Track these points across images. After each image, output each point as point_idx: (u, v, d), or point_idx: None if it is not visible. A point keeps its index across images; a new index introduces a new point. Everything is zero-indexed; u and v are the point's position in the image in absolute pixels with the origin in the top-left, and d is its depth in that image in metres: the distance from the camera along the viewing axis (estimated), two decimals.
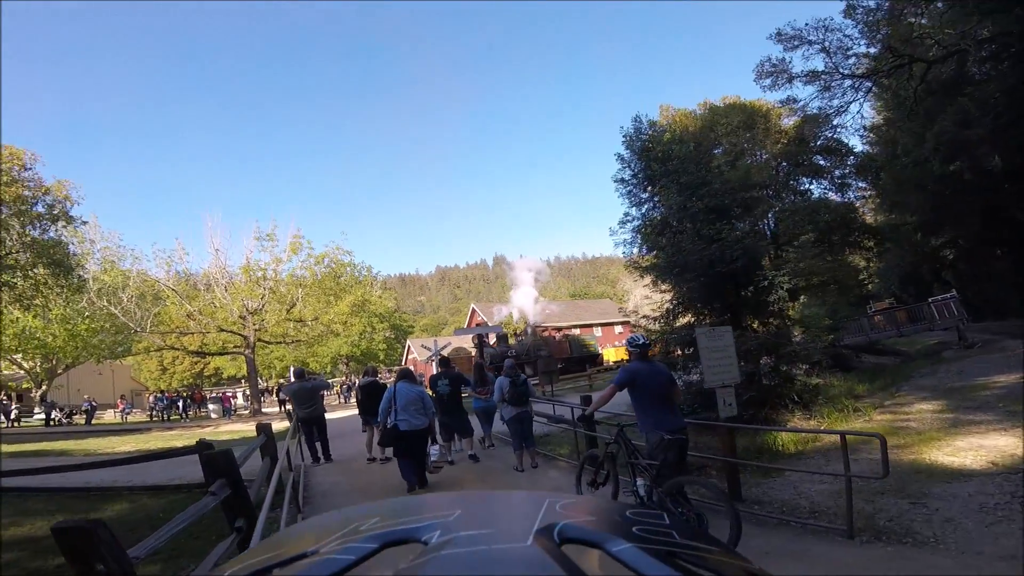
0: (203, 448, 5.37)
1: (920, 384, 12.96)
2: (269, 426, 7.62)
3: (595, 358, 35.47)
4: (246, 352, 28.68)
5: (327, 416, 10.34)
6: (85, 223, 25.15)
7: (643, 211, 16.93)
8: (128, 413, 31.61)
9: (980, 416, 8.77)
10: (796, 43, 18.98)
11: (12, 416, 26.90)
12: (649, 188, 15.91)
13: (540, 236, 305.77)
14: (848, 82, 19.77)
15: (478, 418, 9.61)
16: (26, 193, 21.78)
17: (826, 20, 18.46)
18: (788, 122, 26.52)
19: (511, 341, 31.38)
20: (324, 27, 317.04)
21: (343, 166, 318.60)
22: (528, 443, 8.09)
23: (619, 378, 5.21)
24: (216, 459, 4.73)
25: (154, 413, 30.73)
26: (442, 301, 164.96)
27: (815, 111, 21.48)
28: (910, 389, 12.52)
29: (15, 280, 22.08)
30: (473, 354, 28.56)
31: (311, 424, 9.85)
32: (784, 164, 26.05)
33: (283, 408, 25.13)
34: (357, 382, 31.96)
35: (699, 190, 12.62)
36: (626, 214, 17.51)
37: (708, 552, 0.67)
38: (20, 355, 28.95)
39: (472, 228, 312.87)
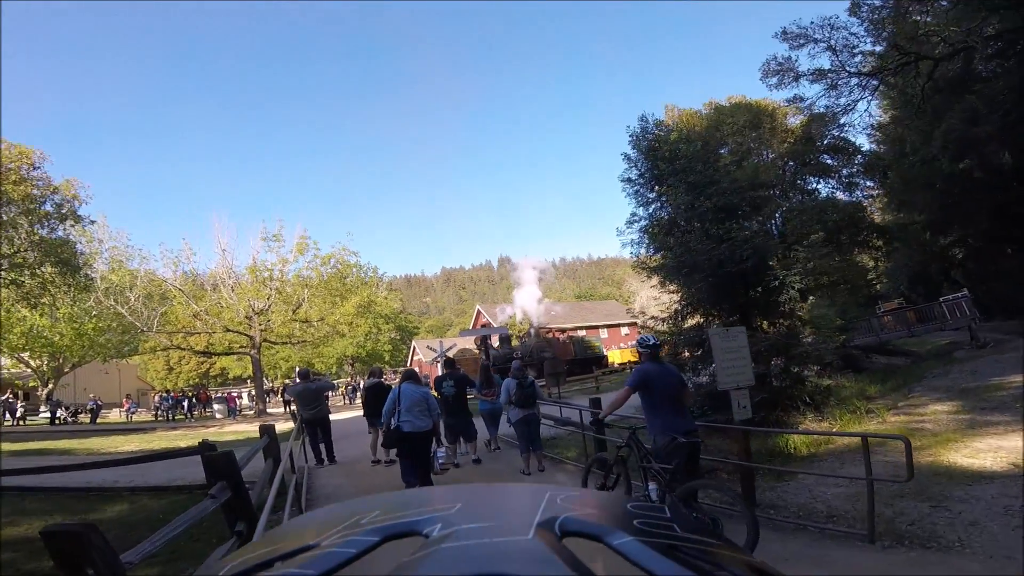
0: (205, 449, 5.31)
1: (933, 385, 12.78)
2: (272, 427, 7.54)
3: (600, 360, 35.25)
4: (252, 352, 28.71)
5: (332, 417, 10.24)
6: (93, 222, 25.27)
7: (650, 211, 16.80)
8: (133, 412, 31.64)
9: (997, 417, 8.61)
10: (802, 41, 18.83)
11: (18, 414, 26.90)
12: (656, 188, 15.75)
13: (545, 237, 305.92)
14: (855, 80, 19.59)
15: (484, 420, 9.48)
16: (35, 192, 21.80)
17: (831, 18, 18.33)
18: (794, 121, 26.33)
19: (514, 343, 31.26)
20: (329, 27, 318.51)
21: (349, 167, 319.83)
22: (535, 446, 7.96)
23: (632, 380, 5.08)
24: (217, 461, 4.66)
25: (159, 413, 30.78)
26: (447, 302, 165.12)
27: (822, 110, 21.31)
28: (923, 390, 12.36)
29: (23, 278, 22.10)
30: (478, 354, 28.43)
31: (315, 425, 9.76)
32: (791, 163, 25.83)
33: (288, 409, 25.10)
34: (362, 383, 31.98)
35: (707, 189, 12.45)
36: (633, 214, 17.39)
37: (709, 546, 0.67)
38: (27, 353, 29.10)
39: (477, 230, 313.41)
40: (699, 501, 4.96)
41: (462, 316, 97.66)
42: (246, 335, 28.28)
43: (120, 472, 8.03)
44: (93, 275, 25.70)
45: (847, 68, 19.18)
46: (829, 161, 26.12)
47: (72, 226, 23.68)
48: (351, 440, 11.58)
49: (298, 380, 10.45)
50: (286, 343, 32.05)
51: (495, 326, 38.87)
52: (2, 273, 22.15)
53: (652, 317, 13.67)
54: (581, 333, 41.31)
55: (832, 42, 18.45)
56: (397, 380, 8.60)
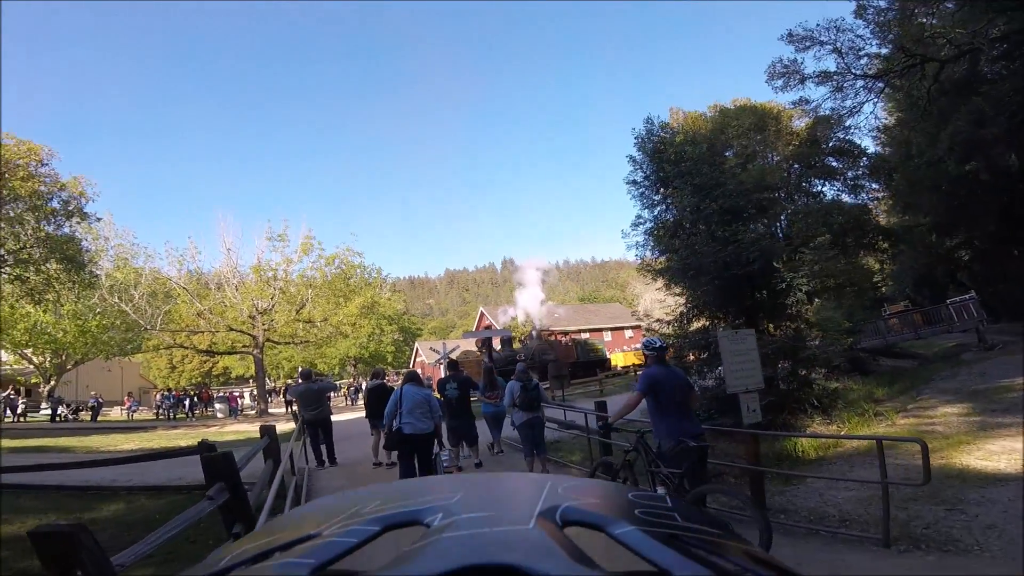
0: (205, 449, 5.25)
1: (942, 387, 12.69)
2: (273, 428, 7.45)
3: (603, 363, 35.08)
4: (255, 352, 28.70)
5: (334, 418, 10.16)
6: (99, 220, 25.30)
7: (655, 213, 16.72)
8: (134, 411, 31.60)
9: (1009, 419, 8.51)
10: (808, 44, 18.74)
11: (19, 411, 26.85)
12: (662, 190, 15.68)
13: (549, 240, 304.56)
14: (860, 82, 19.50)
15: (487, 423, 9.38)
16: (42, 188, 21.81)
17: (837, 20, 18.26)
18: (799, 124, 26.23)
19: (515, 345, 31.12)
20: (333, 27, 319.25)
21: (354, 167, 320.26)
22: (539, 450, 7.85)
23: (641, 385, 5.00)
24: (216, 461, 4.60)
25: (160, 411, 30.75)
26: (451, 304, 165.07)
27: (828, 112, 21.22)
28: (932, 392, 12.30)
29: (28, 274, 22.15)
30: (480, 356, 28.37)
31: (317, 426, 9.68)
32: (796, 166, 25.74)
33: (289, 409, 25.09)
34: (364, 384, 31.90)
35: (713, 191, 12.38)
36: (638, 216, 17.29)
37: (710, 535, 0.67)
38: (30, 350, 29.16)
39: (481, 232, 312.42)
40: (707, 506, 4.87)
41: (465, 318, 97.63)
42: (249, 335, 28.29)
43: (118, 471, 7.94)
44: (98, 272, 25.73)
45: (853, 70, 19.09)
46: (834, 164, 26.06)
47: (78, 223, 23.69)
48: (353, 441, 11.49)
49: (300, 380, 10.36)
50: (289, 343, 32.04)
51: (498, 328, 38.77)
52: (7, 269, 22.16)
53: (657, 320, 13.60)
54: (585, 336, 41.15)
55: (838, 44, 18.37)
56: (399, 382, 8.52)
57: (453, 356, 21.70)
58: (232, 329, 28.22)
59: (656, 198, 16.13)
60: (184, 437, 17.52)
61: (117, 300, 26.44)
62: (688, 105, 35.87)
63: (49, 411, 27.51)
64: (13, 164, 20.43)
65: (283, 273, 28.65)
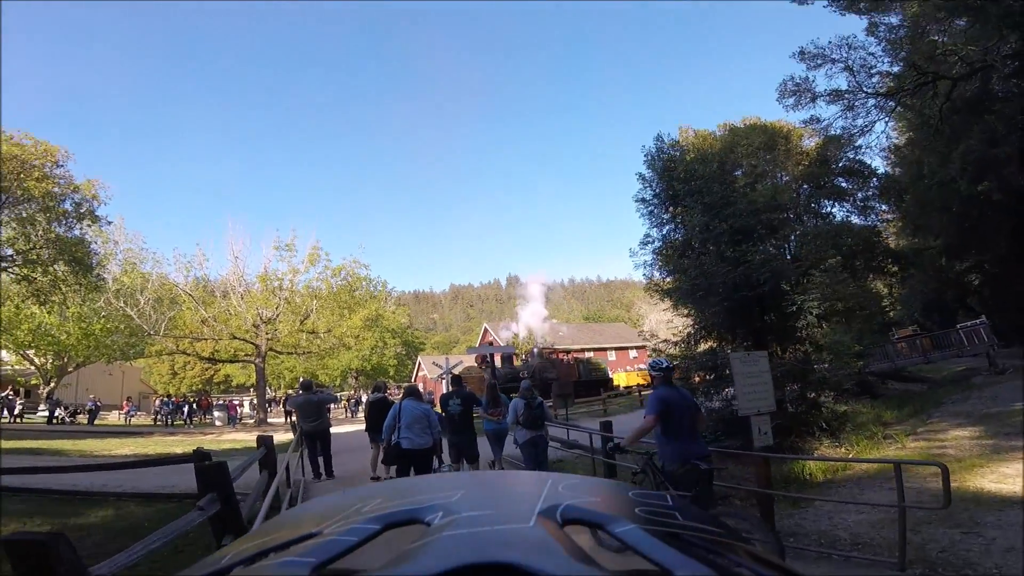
0: (199, 457, 5.17)
1: (953, 410, 12.63)
2: (270, 438, 7.35)
3: (606, 382, 34.72)
4: (256, 361, 28.57)
5: (333, 430, 10.00)
6: (110, 223, 25.30)
7: (664, 232, 16.58)
8: (133, 415, 31.47)
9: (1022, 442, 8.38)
10: (819, 61, 18.70)
11: (16, 412, 26.70)
12: (671, 208, 15.57)
13: (555, 258, 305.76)
14: (872, 101, 19.42)
15: (488, 440, 9.19)
16: (55, 190, 21.82)
17: (849, 38, 18.17)
18: (809, 143, 26.13)
19: (516, 363, 30.84)
20: (349, 41, 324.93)
21: (364, 181, 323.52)
22: (542, 469, 7.65)
23: (654, 408, 4.86)
24: (209, 471, 4.51)
25: (158, 417, 30.58)
26: (455, 319, 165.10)
27: (839, 131, 21.11)
28: (943, 415, 12.25)
29: (35, 275, 22.17)
30: (481, 372, 28.13)
31: (315, 438, 9.53)
32: (805, 186, 25.59)
33: (289, 419, 24.88)
34: (365, 397, 31.65)
35: (724, 210, 12.28)
36: (647, 235, 17.14)
37: (711, 534, 0.67)
38: (32, 351, 29.13)
39: (486, 248, 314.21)
40: None
41: (469, 334, 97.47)
42: (252, 343, 28.20)
43: (109, 476, 7.81)
44: (105, 276, 25.77)
45: (864, 88, 19.02)
46: (844, 184, 25.84)
47: (89, 226, 23.67)
48: (351, 455, 11.32)
49: (300, 391, 10.22)
50: (292, 353, 31.91)
51: (501, 345, 38.56)
52: (14, 269, 22.20)
53: (664, 340, 13.43)
54: (589, 354, 40.86)
55: (850, 62, 18.29)
56: (399, 396, 8.40)
57: (456, 372, 21.53)
58: (235, 337, 28.14)
59: (665, 216, 16.00)
60: (180, 444, 17.34)
61: (123, 304, 26.44)
62: (697, 123, 35.98)
63: (46, 413, 27.38)
64: (29, 164, 20.47)
65: (289, 283, 28.61)
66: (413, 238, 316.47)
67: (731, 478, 7.40)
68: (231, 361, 33.37)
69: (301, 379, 14.19)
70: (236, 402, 35.84)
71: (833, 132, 21.22)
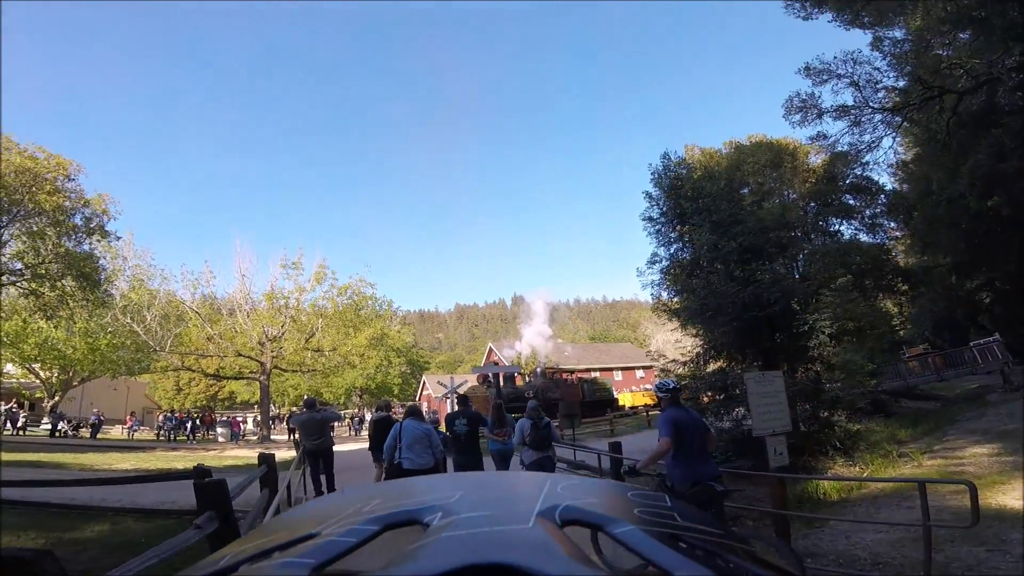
0: (199, 474, 5.04)
1: (969, 428, 12.48)
2: (272, 456, 7.20)
3: (611, 402, 34.28)
4: (261, 378, 28.51)
5: (336, 448, 9.85)
6: (119, 239, 25.43)
7: (672, 251, 16.48)
8: (135, 430, 31.29)
9: None
10: (825, 77, 18.62)
11: (19, 424, 26.59)
12: (678, 227, 15.51)
13: (560, 278, 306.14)
14: (879, 116, 19.30)
15: (494, 461, 9.02)
16: (66, 204, 21.87)
17: (854, 53, 18.09)
18: (816, 160, 26.06)
19: (519, 383, 30.50)
20: (354, 63, 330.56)
21: (369, 201, 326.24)
22: None
23: (667, 430, 4.78)
24: (207, 488, 4.38)
25: (161, 432, 30.42)
26: (459, 339, 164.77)
27: (846, 147, 20.94)
28: (959, 433, 12.11)
29: (43, 289, 22.20)
30: (485, 392, 27.85)
31: (318, 456, 9.38)
32: (812, 204, 25.48)
33: (292, 437, 24.65)
34: (369, 416, 31.34)
35: (732, 229, 12.24)
36: (654, 254, 17.01)
37: (710, 535, 0.67)
38: (38, 364, 29.13)
39: (492, 268, 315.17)
40: None
41: (474, 353, 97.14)
42: (257, 361, 28.18)
43: (108, 491, 7.71)
44: (113, 292, 25.86)
45: (871, 104, 18.94)
46: (852, 201, 25.73)
47: (98, 241, 23.75)
48: (354, 473, 11.16)
49: (304, 409, 10.10)
50: (296, 371, 31.86)
51: (506, 364, 38.26)
52: (22, 283, 22.27)
53: (673, 360, 13.30)
54: (595, 374, 40.44)
55: (855, 77, 18.19)
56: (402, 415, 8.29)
57: (461, 391, 21.31)
58: (241, 355, 28.15)
59: (673, 235, 15.92)
60: (182, 460, 17.17)
61: (129, 320, 26.54)
62: (703, 142, 35.94)
63: (49, 426, 27.30)
64: (41, 178, 20.58)
65: (295, 301, 28.72)
66: (419, 258, 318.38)
67: (743, 498, 7.29)
68: (236, 378, 33.32)
69: (305, 397, 14.07)
70: (240, 419, 35.67)
71: (840, 148, 21.05)
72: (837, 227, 25.98)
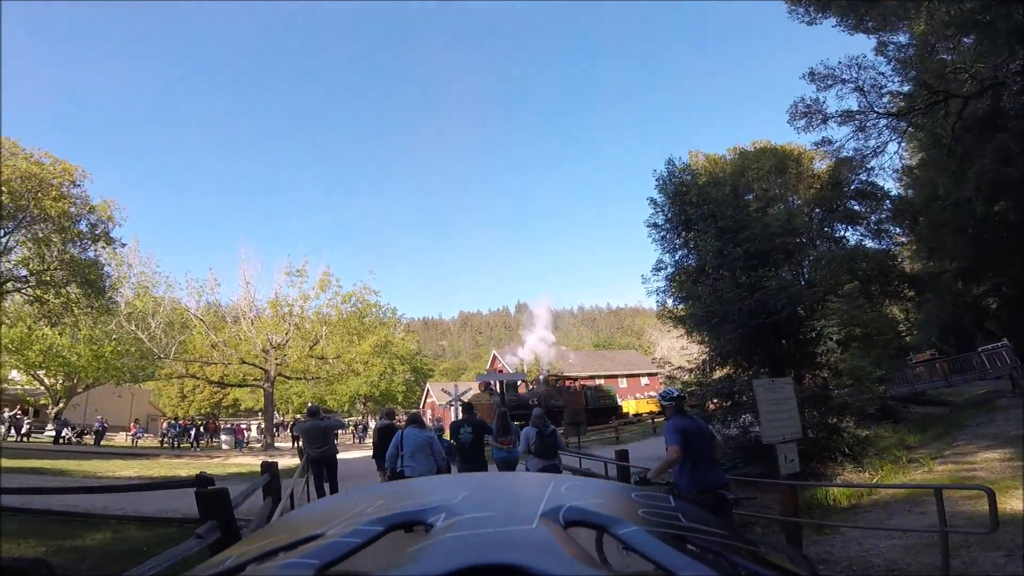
0: (202, 482, 5.03)
1: (979, 433, 12.42)
2: (275, 464, 7.18)
3: (615, 410, 34.00)
4: (265, 385, 28.51)
5: (340, 456, 9.79)
6: (124, 245, 25.37)
7: (677, 258, 16.45)
8: (139, 437, 31.27)
9: None
10: (829, 82, 18.57)
11: (23, 431, 26.59)
12: (683, 233, 15.47)
13: (564, 285, 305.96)
14: (883, 121, 19.22)
15: (498, 469, 8.93)
16: (72, 210, 21.77)
17: (859, 57, 18.05)
18: (820, 166, 25.98)
19: (521, 390, 30.28)
20: (358, 70, 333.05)
21: (373, 209, 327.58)
22: None
23: (675, 438, 4.76)
24: (209, 498, 4.38)
25: (165, 440, 30.40)
26: (463, 346, 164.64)
27: (851, 152, 20.86)
28: (968, 438, 12.06)
29: (47, 296, 22.18)
30: (489, 400, 27.68)
31: (322, 464, 9.33)
32: (817, 210, 25.39)
33: (296, 444, 24.59)
34: (373, 423, 31.19)
35: (738, 235, 12.20)
36: (659, 261, 16.98)
37: (714, 535, 0.67)
38: (43, 371, 29.18)
39: (496, 276, 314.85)
40: None
41: (477, 361, 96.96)
42: (261, 368, 28.18)
43: (111, 498, 7.65)
44: (117, 299, 25.89)
45: (875, 109, 18.87)
46: (857, 207, 25.61)
47: (103, 247, 23.73)
48: (358, 482, 11.07)
49: (307, 417, 10.05)
50: (300, 378, 31.85)
51: (510, 372, 38.12)
52: (27, 290, 22.27)
53: (679, 367, 13.24)
54: (599, 381, 40.24)
55: (860, 82, 18.15)
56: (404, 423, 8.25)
57: (464, 399, 21.23)
58: (245, 362, 28.17)
59: (678, 242, 15.89)
60: (185, 467, 17.12)
61: (134, 328, 26.60)
62: (707, 148, 35.85)
63: (53, 433, 27.31)
64: (47, 183, 20.53)
65: (299, 309, 28.71)
66: (423, 265, 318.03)
67: (752, 506, 7.24)
68: (240, 385, 33.34)
69: (309, 404, 14.03)
70: (244, 426, 35.61)
71: (845, 154, 20.97)
72: (842, 233, 25.91)
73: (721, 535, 0.68)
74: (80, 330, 25.54)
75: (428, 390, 50.45)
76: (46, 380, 31.00)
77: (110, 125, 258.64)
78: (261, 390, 30.41)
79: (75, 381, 31.45)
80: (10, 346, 24.99)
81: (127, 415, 38.62)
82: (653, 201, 16.22)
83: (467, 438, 8.02)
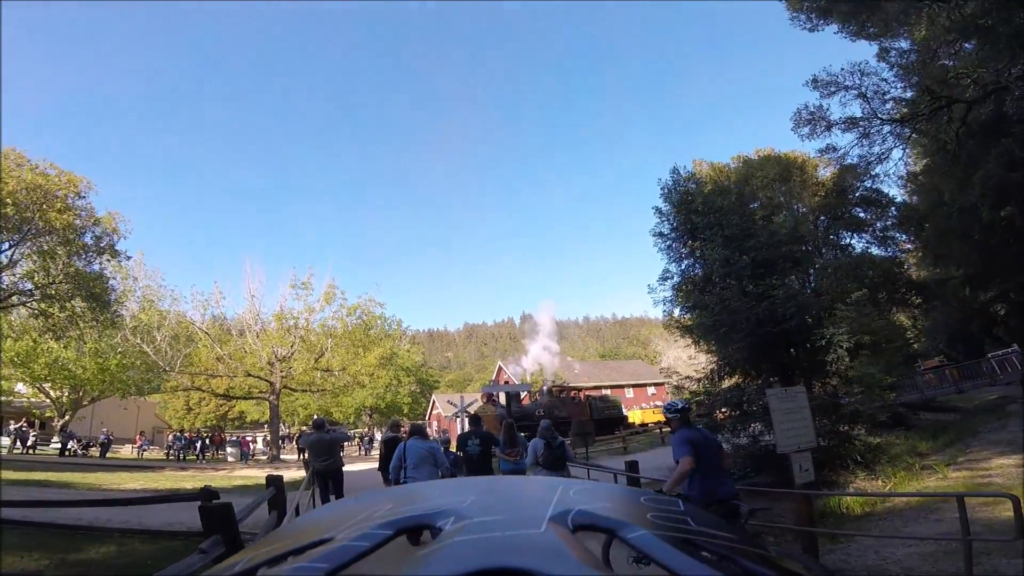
0: (206, 496, 4.97)
1: (992, 439, 12.32)
2: (280, 478, 7.14)
3: (620, 420, 33.68)
4: (271, 398, 28.47)
5: (346, 468, 9.73)
6: (130, 258, 25.35)
7: (683, 267, 16.34)
8: (145, 450, 31.26)
9: None
10: (832, 89, 18.44)
11: (29, 443, 26.54)
12: (689, 242, 15.39)
13: (569, 296, 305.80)
14: (887, 128, 19.12)
15: None
16: (77, 222, 21.61)
17: (861, 64, 17.90)
18: (825, 173, 25.91)
19: (524, 401, 30.08)
20: (362, 79, 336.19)
21: (379, 220, 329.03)
22: None
23: (685, 450, 4.73)
24: (213, 512, 4.34)
25: (171, 452, 30.36)
26: (468, 357, 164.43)
27: (856, 159, 20.73)
28: (982, 444, 11.97)
29: (52, 310, 22.13)
30: (493, 411, 27.52)
31: (327, 477, 9.26)
32: (823, 218, 25.28)
33: (301, 457, 24.52)
34: (379, 435, 31.00)
35: (745, 243, 12.13)
36: (666, 270, 16.88)
37: (723, 539, 0.66)
38: (48, 384, 29.21)
39: (500, 287, 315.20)
40: None
41: (483, 372, 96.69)
42: (267, 380, 28.17)
43: (115, 511, 7.57)
44: (123, 312, 25.93)
45: (879, 115, 18.79)
46: (862, 214, 25.52)
47: (108, 260, 23.67)
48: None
49: (313, 430, 10.00)
50: (306, 391, 31.81)
51: (516, 383, 37.92)
52: (32, 304, 22.25)
53: (687, 377, 13.13)
54: (606, 391, 39.90)
55: (863, 88, 18.07)
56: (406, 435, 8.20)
57: (470, 410, 21.13)
58: (250, 375, 28.19)
59: (684, 251, 15.80)
60: (191, 480, 17.04)
61: (139, 341, 26.62)
62: (711, 156, 35.88)
63: (59, 445, 27.28)
64: (52, 195, 20.43)
65: (305, 321, 28.73)
66: (428, 277, 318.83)
67: (765, 515, 7.17)
68: (245, 398, 33.33)
69: (314, 417, 13.97)
70: (249, 438, 35.58)
71: (850, 161, 20.87)
72: (848, 241, 25.80)
73: (731, 539, 0.67)
74: (85, 343, 25.53)
75: (434, 401, 50.27)
76: (52, 393, 31.01)
77: (115, 136, 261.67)
78: (267, 403, 30.38)
79: (81, 394, 31.45)
80: (16, 359, 24.99)
81: (133, 427, 38.63)
82: (658, 210, 16.17)
83: (475, 450, 7.96)
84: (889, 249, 25.96)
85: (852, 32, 17.40)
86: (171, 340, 27.85)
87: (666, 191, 15.75)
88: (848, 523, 7.79)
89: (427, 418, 50.43)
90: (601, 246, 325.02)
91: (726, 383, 12.45)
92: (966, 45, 16.36)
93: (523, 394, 30.89)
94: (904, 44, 17.91)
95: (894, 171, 22.86)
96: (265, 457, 29.63)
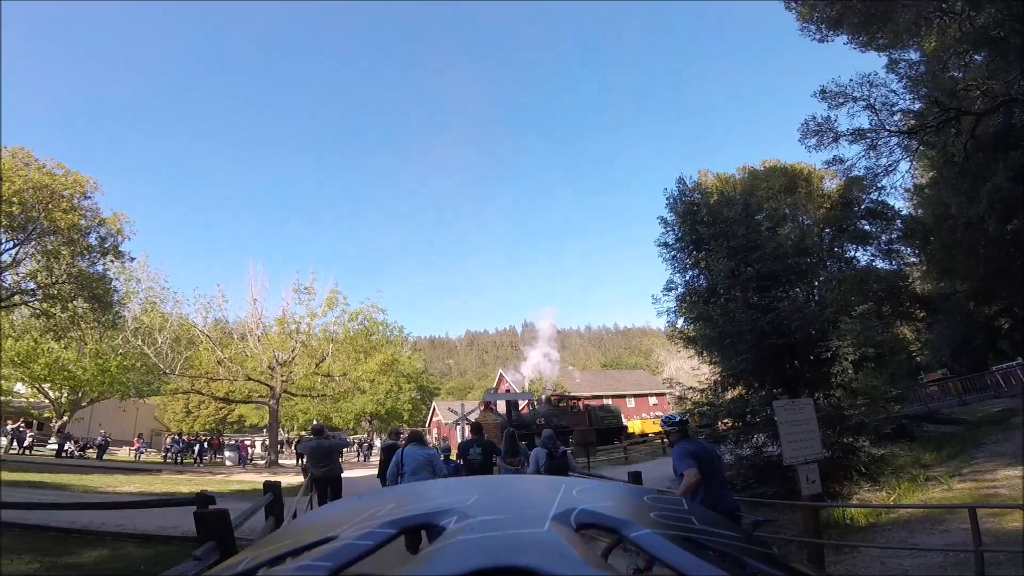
0: (202, 501, 4.88)
1: (996, 451, 12.34)
2: (278, 484, 7.03)
3: (620, 430, 33.42)
4: (270, 402, 28.36)
5: (345, 475, 9.65)
6: (133, 259, 25.29)
7: (687, 278, 16.30)
8: (142, 452, 31.10)
9: None
10: (841, 100, 18.47)
11: (26, 444, 26.32)
12: (694, 253, 15.35)
13: (571, 305, 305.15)
14: (895, 140, 19.11)
15: None
16: (81, 222, 21.52)
17: (870, 75, 17.96)
18: (831, 185, 25.88)
19: (524, 410, 29.86)
20: (367, 86, 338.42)
21: (381, 227, 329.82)
22: None
23: (688, 462, 4.72)
24: (208, 519, 4.23)
25: (168, 455, 30.22)
26: (470, 365, 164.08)
27: (863, 171, 20.71)
28: (986, 456, 12.00)
29: (54, 310, 22.04)
30: (494, 420, 27.33)
31: (326, 484, 9.17)
32: (828, 230, 25.22)
33: (300, 462, 24.39)
34: (378, 441, 30.87)
35: (750, 254, 12.06)
36: (670, 281, 16.84)
37: (726, 537, 0.66)
38: (48, 384, 29.15)
39: (502, 295, 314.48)
40: None
41: (484, 379, 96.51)
42: (267, 385, 28.09)
43: (109, 514, 7.51)
44: (124, 314, 25.88)
45: (887, 127, 18.77)
46: (867, 227, 25.47)
47: (112, 261, 23.60)
48: None
49: (311, 436, 9.92)
50: (306, 396, 31.72)
51: (517, 391, 37.76)
52: (34, 303, 22.19)
53: (689, 388, 13.04)
54: (607, 401, 39.69)
55: (871, 100, 18.06)
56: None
57: (471, 418, 20.97)
58: (250, 379, 28.13)
59: (688, 262, 15.76)
60: (187, 484, 16.91)
61: (140, 343, 26.52)
62: (716, 167, 35.89)
63: (56, 446, 27.18)
64: (58, 195, 20.36)
65: (306, 326, 28.67)
66: (430, 284, 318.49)
67: (769, 526, 7.12)
68: (245, 402, 33.25)
69: (313, 423, 13.88)
70: (248, 442, 35.44)
71: (857, 172, 20.85)
72: (853, 253, 25.75)
73: (735, 538, 0.67)
74: (86, 344, 25.50)
75: (434, 408, 50.16)
76: (51, 393, 30.96)
77: (122, 136, 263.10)
78: (266, 407, 30.29)
79: (80, 395, 31.40)
80: (15, 359, 24.91)
81: (131, 430, 38.53)
82: (663, 220, 16.15)
83: (477, 458, 7.89)
84: (894, 262, 25.92)
85: (862, 43, 17.43)
86: (172, 342, 27.76)
87: (671, 201, 15.74)
88: (853, 534, 7.80)
89: (427, 425, 50.28)
90: (605, 255, 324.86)
91: (729, 394, 12.37)
92: (976, 57, 16.33)
93: (522, 403, 30.65)
94: (914, 55, 17.94)
95: (900, 183, 22.85)
96: (263, 462, 29.50)
